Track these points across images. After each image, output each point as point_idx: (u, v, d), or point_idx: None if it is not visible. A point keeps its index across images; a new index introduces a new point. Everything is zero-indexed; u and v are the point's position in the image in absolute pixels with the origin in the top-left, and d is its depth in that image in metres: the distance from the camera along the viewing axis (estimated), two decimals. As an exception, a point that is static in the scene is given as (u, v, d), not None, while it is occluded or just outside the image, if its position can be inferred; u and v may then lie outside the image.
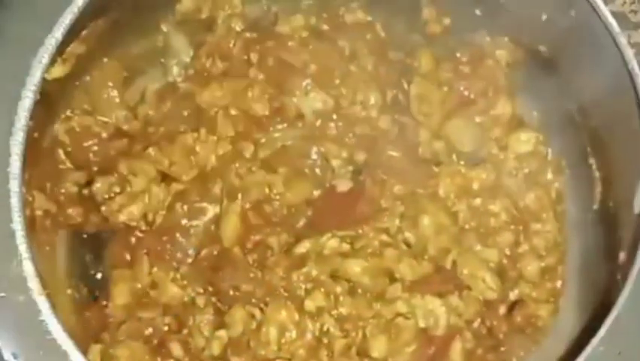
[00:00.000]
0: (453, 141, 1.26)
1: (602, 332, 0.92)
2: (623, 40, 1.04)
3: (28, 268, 0.87)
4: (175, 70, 1.27)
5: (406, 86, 1.27)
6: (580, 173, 1.25)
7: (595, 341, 0.91)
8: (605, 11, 1.05)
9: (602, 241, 1.18)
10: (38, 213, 1.13)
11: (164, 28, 1.26)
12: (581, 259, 1.24)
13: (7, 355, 0.88)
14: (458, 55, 1.29)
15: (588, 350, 0.91)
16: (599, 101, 1.15)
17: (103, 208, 1.15)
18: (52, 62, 1.00)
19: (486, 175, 1.24)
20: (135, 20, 1.20)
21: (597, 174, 1.22)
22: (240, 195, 1.18)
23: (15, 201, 0.88)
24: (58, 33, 0.95)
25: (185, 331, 1.13)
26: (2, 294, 0.87)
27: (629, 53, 1.06)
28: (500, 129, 1.27)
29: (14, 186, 0.88)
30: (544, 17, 1.15)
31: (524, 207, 1.25)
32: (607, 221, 1.18)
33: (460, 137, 1.26)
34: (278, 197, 1.19)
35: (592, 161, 1.22)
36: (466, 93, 1.27)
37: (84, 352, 0.91)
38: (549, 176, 1.28)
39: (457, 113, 1.27)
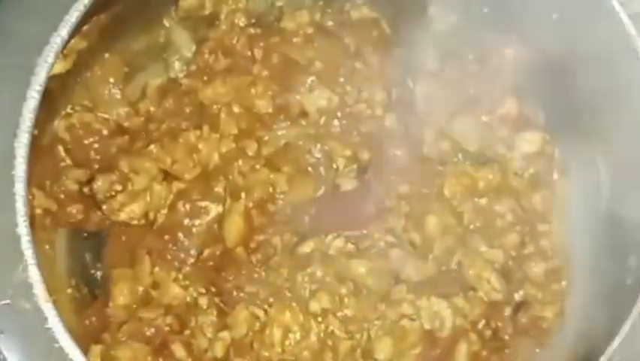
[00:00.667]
0: (459, 140, 1.24)
1: (616, 343, 0.90)
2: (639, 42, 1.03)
3: (34, 274, 0.84)
4: (177, 65, 1.24)
5: (411, 84, 1.26)
6: (587, 174, 1.23)
7: (609, 350, 0.90)
8: (622, 13, 1.04)
9: (608, 242, 1.17)
10: (38, 211, 1.11)
11: (166, 23, 1.24)
12: (587, 261, 1.22)
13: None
14: (465, 53, 1.27)
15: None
16: (609, 102, 1.14)
17: (104, 207, 1.14)
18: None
19: (492, 175, 1.23)
20: (137, 15, 1.19)
21: (605, 175, 1.21)
22: (243, 194, 1.17)
23: (20, 206, 0.85)
24: (64, 31, 0.91)
25: (187, 332, 1.11)
26: (7, 301, 0.84)
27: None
28: (506, 129, 1.25)
29: (19, 189, 0.84)
30: (554, 16, 1.14)
31: (530, 207, 1.23)
32: (614, 223, 1.17)
33: (466, 136, 1.24)
34: (282, 196, 1.18)
35: (599, 162, 1.21)
36: (472, 92, 1.26)
37: (85, 353, 0.89)
38: (555, 176, 1.27)
39: (463, 112, 1.25)
